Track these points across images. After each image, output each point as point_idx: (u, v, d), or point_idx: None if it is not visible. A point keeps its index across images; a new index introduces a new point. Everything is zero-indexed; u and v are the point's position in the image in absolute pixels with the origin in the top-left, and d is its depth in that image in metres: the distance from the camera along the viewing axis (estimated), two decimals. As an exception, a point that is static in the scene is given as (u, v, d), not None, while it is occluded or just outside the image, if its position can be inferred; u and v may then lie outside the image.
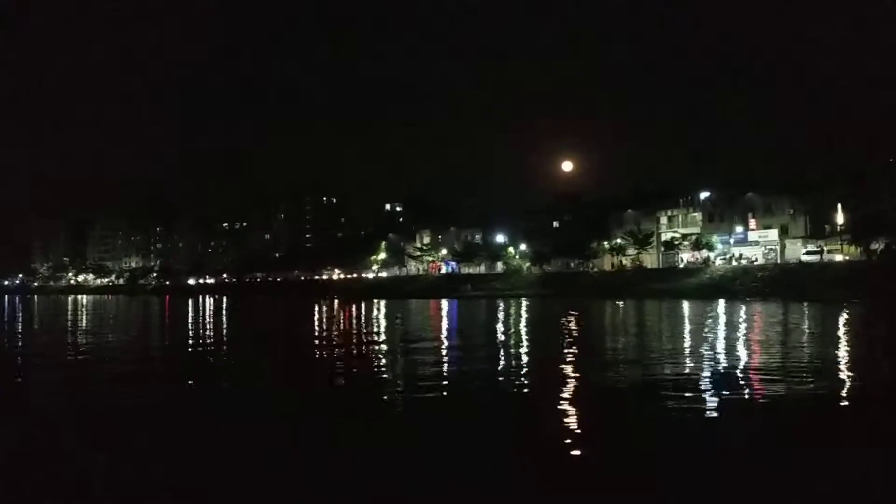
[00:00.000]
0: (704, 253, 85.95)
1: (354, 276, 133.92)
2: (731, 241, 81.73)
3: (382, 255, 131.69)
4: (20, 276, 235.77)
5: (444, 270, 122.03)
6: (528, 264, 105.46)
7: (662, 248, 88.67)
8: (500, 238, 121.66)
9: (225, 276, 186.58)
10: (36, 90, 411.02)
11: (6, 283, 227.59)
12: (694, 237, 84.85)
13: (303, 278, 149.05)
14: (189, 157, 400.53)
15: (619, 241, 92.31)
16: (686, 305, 53.67)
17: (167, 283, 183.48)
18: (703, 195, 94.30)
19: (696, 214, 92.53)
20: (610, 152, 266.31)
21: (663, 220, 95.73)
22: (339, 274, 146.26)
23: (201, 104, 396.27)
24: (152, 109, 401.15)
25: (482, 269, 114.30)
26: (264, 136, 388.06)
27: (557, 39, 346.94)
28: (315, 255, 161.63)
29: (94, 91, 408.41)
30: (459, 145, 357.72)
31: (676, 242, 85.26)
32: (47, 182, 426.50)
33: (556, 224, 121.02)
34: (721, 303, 55.74)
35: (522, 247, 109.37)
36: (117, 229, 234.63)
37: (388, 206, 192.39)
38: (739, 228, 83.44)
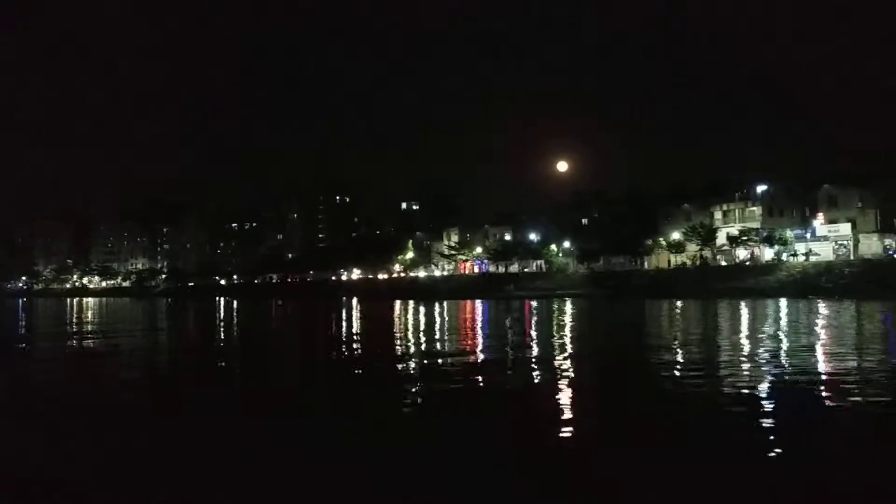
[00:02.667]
0: (767, 250, 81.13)
1: (382, 276, 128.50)
2: (808, 235, 76.61)
3: (410, 255, 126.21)
4: (23, 278, 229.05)
5: (476, 270, 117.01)
6: (570, 262, 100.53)
7: (727, 245, 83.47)
8: (532, 236, 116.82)
9: (235, 277, 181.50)
10: (36, 89, 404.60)
11: (9, 285, 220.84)
12: (765, 232, 79.64)
13: (329, 279, 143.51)
14: (192, 157, 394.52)
15: (677, 236, 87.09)
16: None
17: (178, 284, 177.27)
18: (760, 188, 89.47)
19: (754, 209, 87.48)
20: (609, 151, 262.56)
21: (718, 214, 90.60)
22: (359, 274, 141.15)
23: (203, 103, 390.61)
24: (155, 109, 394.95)
25: (515, 267, 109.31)
26: (266, 135, 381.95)
27: (558, 39, 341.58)
28: (332, 255, 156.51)
29: (96, 90, 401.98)
30: (459, 145, 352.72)
31: (745, 238, 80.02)
32: (48, 182, 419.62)
33: (584, 221, 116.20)
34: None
35: (565, 244, 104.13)
36: (122, 230, 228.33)
37: (404, 205, 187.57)
38: (814, 223, 78.45)
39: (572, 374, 17.59)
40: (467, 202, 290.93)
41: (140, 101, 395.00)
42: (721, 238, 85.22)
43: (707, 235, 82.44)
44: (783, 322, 34.18)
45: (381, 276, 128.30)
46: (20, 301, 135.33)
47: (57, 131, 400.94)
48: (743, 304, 50.99)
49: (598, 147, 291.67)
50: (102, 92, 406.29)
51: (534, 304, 62.23)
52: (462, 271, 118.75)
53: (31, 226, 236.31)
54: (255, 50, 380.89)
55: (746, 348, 22.26)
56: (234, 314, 60.18)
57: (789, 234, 76.95)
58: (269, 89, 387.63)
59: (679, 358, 20.70)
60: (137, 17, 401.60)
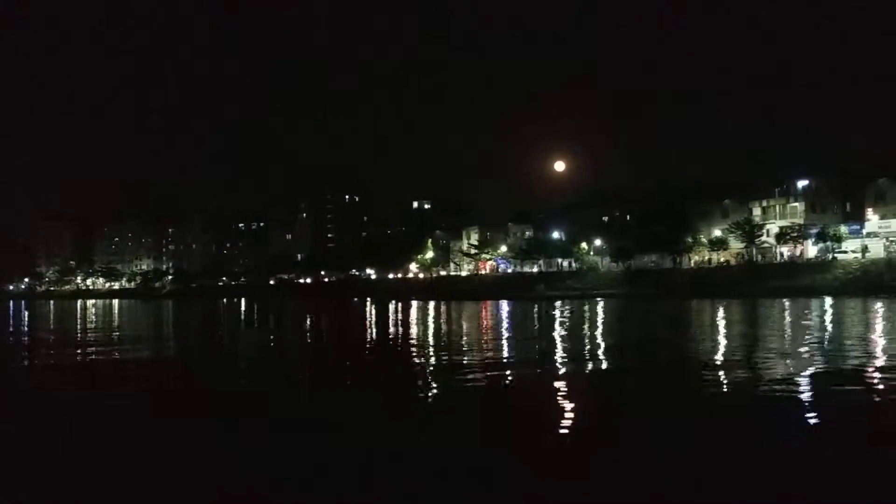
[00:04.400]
0: (811, 247, 78.23)
1: (402, 276, 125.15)
2: (864, 231, 73.62)
3: (430, 254, 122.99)
4: (26, 280, 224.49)
5: (499, 269, 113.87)
6: (599, 260, 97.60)
7: (769, 242, 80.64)
8: (556, 234, 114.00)
9: (243, 278, 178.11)
10: (36, 89, 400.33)
11: (11, 287, 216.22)
12: (815, 228, 76.69)
13: (367, 278, 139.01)
14: (195, 157, 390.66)
15: (718, 233, 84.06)
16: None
17: (185, 285, 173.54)
18: (801, 184, 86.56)
19: (796, 205, 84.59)
20: (608, 151, 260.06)
21: (756, 210, 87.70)
22: (373, 274, 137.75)
23: (205, 102, 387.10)
24: (156, 109, 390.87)
25: (540, 266, 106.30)
26: (266, 135, 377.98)
27: (558, 39, 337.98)
28: (344, 255, 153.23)
29: (97, 89, 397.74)
30: (460, 145, 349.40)
31: (794, 234, 77.07)
32: (49, 183, 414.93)
33: (605, 219, 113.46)
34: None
35: (597, 242, 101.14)
36: (126, 230, 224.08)
37: (415, 204, 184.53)
38: (868, 218, 75.51)
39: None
40: (471, 202, 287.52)
41: (140, 101, 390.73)
42: (764, 234, 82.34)
43: (751, 232, 79.45)
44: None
45: (401, 277, 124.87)
46: (19, 303, 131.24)
47: (55, 130, 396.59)
48: (799, 303, 47.79)
49: (597, 146, 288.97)
50: (101, 91, 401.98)
51: (562, 304, 59.10)
52: (482, 270, 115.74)
53: (32, 226, 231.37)
54: (257, 48, 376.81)
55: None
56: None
57: (843, 229, 73.98)
58: (270, 89, 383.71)
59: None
60: (138, 17, 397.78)
